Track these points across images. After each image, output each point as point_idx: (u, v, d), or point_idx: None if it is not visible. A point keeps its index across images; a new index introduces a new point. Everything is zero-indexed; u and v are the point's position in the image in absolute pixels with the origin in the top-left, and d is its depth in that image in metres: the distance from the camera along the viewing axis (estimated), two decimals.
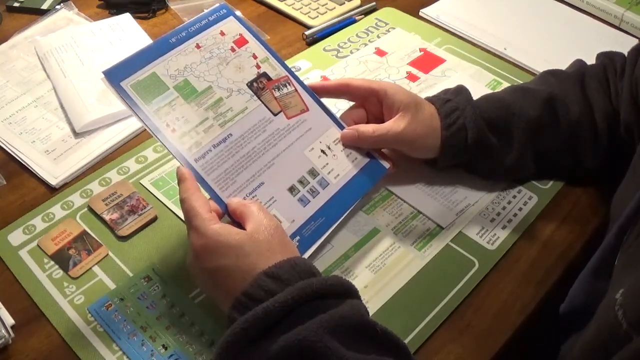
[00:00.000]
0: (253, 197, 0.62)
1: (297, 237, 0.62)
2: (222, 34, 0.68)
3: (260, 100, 0.66)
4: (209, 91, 0.64)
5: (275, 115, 0.66)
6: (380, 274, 0.65)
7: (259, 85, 0.67)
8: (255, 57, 0.68)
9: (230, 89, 0.65)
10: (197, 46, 0.66)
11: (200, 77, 0.65)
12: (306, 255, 0.62)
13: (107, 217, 0.70)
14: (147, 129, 0.60)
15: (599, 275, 0.60)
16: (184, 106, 0.63)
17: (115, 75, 0.61)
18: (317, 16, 1.02)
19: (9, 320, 0.60)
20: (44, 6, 1.03)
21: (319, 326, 0.48)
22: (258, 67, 0.68)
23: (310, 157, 0.67)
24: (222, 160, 0.62)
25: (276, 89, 0.68)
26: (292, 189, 0.64)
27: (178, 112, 0.62)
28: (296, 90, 0.69)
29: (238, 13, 0.73)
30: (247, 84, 0.67)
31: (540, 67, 0.89)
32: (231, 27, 0.69)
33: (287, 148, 0.66)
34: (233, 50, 0.68)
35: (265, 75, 0.68)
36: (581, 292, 0.64)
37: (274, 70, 0.69)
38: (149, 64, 0.63)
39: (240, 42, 0.69)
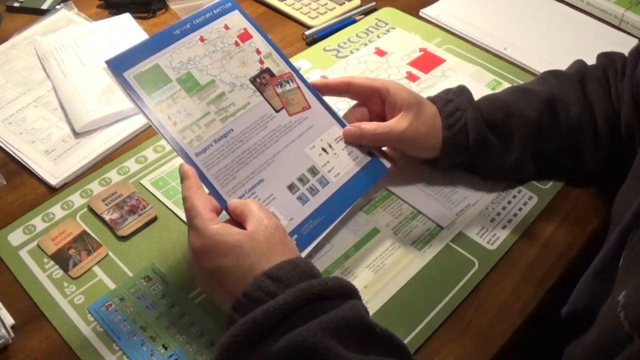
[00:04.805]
0: (252, 193, 0.62)
1: (295, 236, 0.62)
2: (227, 27, 0.68)
3: (263, 96, 0.66)
4: (212, 85, 0.64)
5: (277, 111, 0.66)
6: (380, 274, 0.65)
7: (262, 81, 0.67)
8: (258, 52, 0.68)
9: (233, 83, 0.65)
10: (201, 39, 0.66)
11: (204, 71, 0.64)
12: (304, 254, 0.62)
13: (107, 217, 0.70)
14: (148, 121, 0.60)
15: (602, 278, 0.60)
16: (186, 99, 0.62)
17: (118, 65, 0.61)
18: (317, 16, 1.02)
19: (9, 320, 0.60)
20: (44, 6, 1.03)
21: (319, 327, 0.48)
22: (261, 62, 0.68)
23: (311, 155, 0.67)
24: (223, 156, 0.62)
25: (279, 86, 0.68)
26: (291, 187, 0.64)
27: (180, 106, 0.62)
28: (299, 87, 0.69)
29: None
30: (249, 80, 0.66)
31: (540, 67, 0.90)
32: (236, 20, 0.69)
33: (288, 145, 0.66)
34: (237, 44, 0.67)
35: (268, 71, 0.68)
36: (583, 294, 0.64)
37: (277, 66, 0.69)
38: (152, 56, 0.63)
39: (245, 36, 0.68)
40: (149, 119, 0.60)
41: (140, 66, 0.62)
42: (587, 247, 0.69)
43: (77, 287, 0.63)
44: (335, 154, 0.68)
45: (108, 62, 0.60)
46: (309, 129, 0.67)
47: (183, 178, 0.59)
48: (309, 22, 1.01)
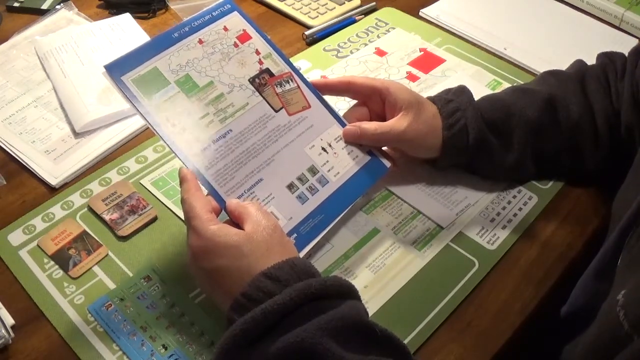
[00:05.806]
0: (251, 193, 0.62)
1: (294, 235, 0.62)
2: (226, 29, 0.68)
3: (262, 97, 0.66)
4: (211, 86, 0.64)
5: (276, 111, 0.66)
6: (380, 274, 0.65)
7: (261, 81, 0.67)
8: (258, 52, 0.68)
9: (231, 84, 0.65)
10: (200, 41, 0.66)
11: (202, 72, 0.65)
12: (303, 254, 0.62)
13: (107, 217, 0.70)
14: (148, 124, 0.60)
15: (601, 277, 0.60)
16: (185, 101, 0.62)
17: (117, 70, 0.61)
18: (317, 16, 1.02)
19: (9, 320, 0.60)
20: (44, 6, 1.03)
21: (318, 327, 0.48)
22: (261, 62, 0.68)
23: (310, 155, 0.67)
24: (222, 156, 0.62)
25: (278, 85, 0.68)
26: (291, 186, 0.64)
27: (179, 107, 0.62)
28: (298, 86, 0.69)
29: None
30: (249, 80, 0.66)
31: (540, 67, 0.89)
32: (235, 22, 0.69)
33: (287, 145, 0.66)
34: (236, 45, 0.68)
35: (267, 71, 0.68)
36: (583, 294, 0.64)
37: (276, 66, 0.69)
38: (151, 59, 0.63)
39: (244, 37, 0.68)
40: (148, 121, 0.60)
41: (138, 70, 0.62)
42: (587, 247, 0.69)
43: (77, 287, 0.63)
44: (335, 153, 0.68)
45: (107, 67, 0.61)
46: (308, 128, 0.67)
47: (182, 181, 0.59)
48: (309, 22, 1.01)
